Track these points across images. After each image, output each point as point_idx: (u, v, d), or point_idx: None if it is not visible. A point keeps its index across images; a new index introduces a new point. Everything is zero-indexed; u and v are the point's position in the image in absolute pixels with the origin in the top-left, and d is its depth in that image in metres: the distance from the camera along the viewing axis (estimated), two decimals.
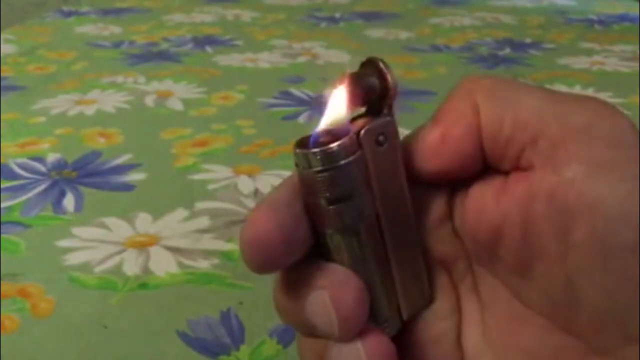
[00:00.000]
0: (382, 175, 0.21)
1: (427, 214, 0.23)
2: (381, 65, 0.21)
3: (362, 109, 0.22)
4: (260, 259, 0.20)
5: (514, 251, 0.21)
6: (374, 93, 0.21)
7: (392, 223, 0.22)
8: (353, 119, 0.21)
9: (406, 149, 0.22)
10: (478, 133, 0.21)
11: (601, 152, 0.19)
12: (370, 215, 0.21)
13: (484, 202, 0.21)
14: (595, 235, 0.19)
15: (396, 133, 0.21)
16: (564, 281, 0.20)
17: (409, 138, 0.22)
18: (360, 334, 0.21)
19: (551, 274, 0.20)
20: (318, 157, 0.20)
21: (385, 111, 0.21)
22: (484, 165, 0.21)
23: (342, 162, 0.20)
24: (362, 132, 0.21)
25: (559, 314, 0.21)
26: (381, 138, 0.21)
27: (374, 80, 0.21)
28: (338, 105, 0.21)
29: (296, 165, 0.21)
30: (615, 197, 0.19)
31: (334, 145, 0.20)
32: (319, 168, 0.20)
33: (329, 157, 0.20)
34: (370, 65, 0.21)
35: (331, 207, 0.20)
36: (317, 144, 0.20)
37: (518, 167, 0.21)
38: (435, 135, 0.21)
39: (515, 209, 0.20)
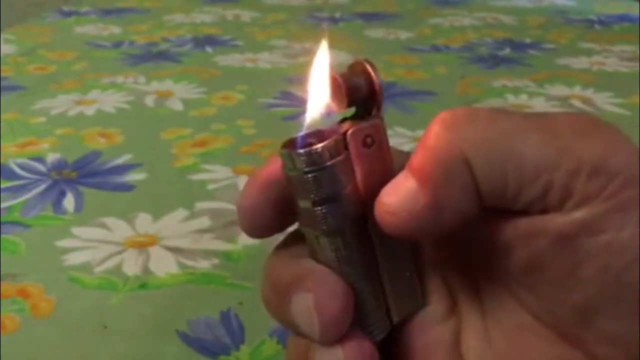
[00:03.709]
0: (369, 177, 0.21)
1: None
2: (367, 66, 0.21)
3: (352, 111, 0.21)
4: (249, 226, 0.21)
5: (521, 273, 0.20)
6: (359, 94, 0.21)
7: (379, 225, 0.22)
8: (342, 121, 0.21)
9: (388, 210, 0.20)
10: (476, 191, 0.19)
11: (616, 191, 0.18)
12: (356, 218, 0.21)
13: (485, 232, 0.20)
14: (609, 273, 0.19)
15: (384, 135, 0.21)
16: (571, 306, 0.20)
17: (388, 196, 0.20)
18: (342, 338, 0.20)
19: (559, 297, 0.20)
20: (302, 158, 0.20)
21: (373, 112, 0.21)
22: (481, 212, 0.20)
23: (327, 163, 0.20)
24: (349, 133, 0.20)
25: (566, 330, 0.20)
26: (369, 140, 0.21)
27: (360, 81, 0.21)
28: (323, 107, 0.21)
29: (283, 166, 0.20)
30: (631, 237, 0.18)
31: (319, 146, 0.20)
32: (304, 169, 0.20)
33: (314, 158, 0.20)
34: (357, 67, 0.21)
35: (316, 208, 0.20)
36: (303, 145, 0.20)
37: (526, 213, 0.20)
38: (427, 200, 0.19)
39: (521, 244, 0.20)
